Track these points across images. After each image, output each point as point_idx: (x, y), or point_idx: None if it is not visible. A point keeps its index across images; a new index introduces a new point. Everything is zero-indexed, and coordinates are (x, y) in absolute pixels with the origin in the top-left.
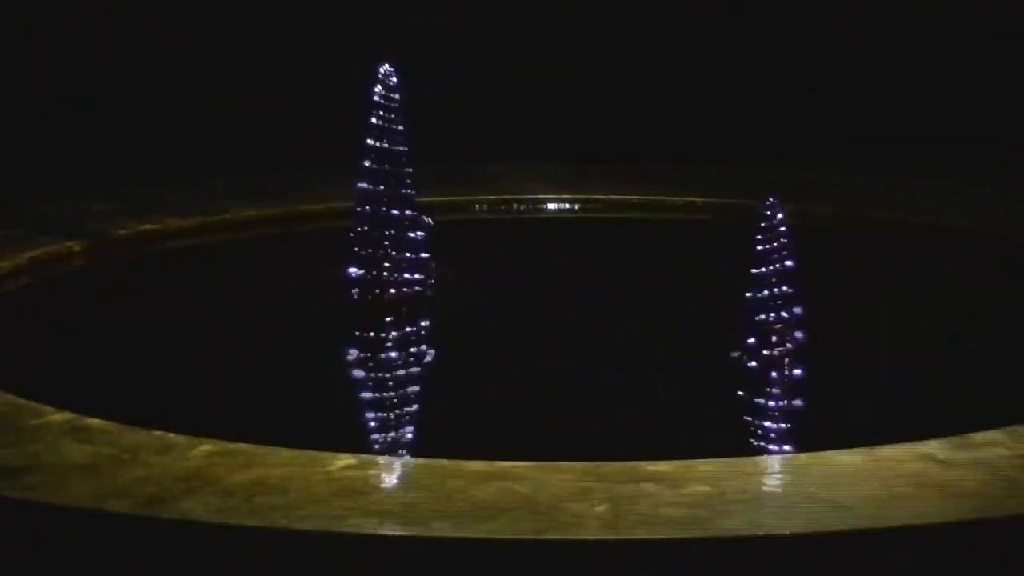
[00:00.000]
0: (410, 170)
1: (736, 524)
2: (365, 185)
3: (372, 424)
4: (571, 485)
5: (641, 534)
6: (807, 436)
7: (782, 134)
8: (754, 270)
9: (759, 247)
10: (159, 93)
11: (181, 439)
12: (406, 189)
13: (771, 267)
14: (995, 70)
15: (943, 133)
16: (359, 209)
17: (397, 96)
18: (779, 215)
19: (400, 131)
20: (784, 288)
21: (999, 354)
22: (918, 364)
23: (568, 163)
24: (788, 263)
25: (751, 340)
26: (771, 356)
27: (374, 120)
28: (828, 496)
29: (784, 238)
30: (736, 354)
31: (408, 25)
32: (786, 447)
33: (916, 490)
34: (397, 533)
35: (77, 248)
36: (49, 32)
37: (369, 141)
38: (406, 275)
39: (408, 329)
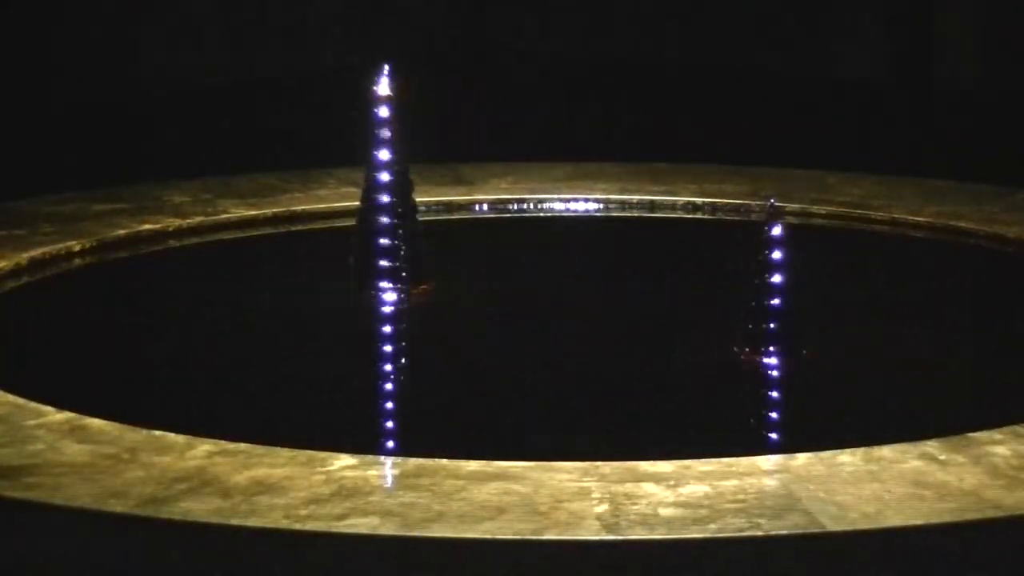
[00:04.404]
0: (408, 170)
1: (736, 524)
2: (367, 185)
3: (374, 422)
4: (570, 485)
5: (641, 534)
6: (807, 436)
7: (783, 134)
8: (754, 271)
9: (758, 248)
10: (159, 92)
11: (181, 439)
12: (406, 188)
13: (768, 268)
14: (996, 69)
15: (943, 132)
16: (363, 208)
17: (396, 96)
18: (778, 215)
19: (399, 130)
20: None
21: (999, 354)
22: (917, 364)
23: (567, 162)
24: (780, 264)
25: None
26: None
27: (374, 120)
28: (828, 496)
29: (781, 238)
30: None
31: (407, 23)
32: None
33: (916, 490)
34: (397, 533)
35: (77, 248)
36: (48, 31)
37: (370, 140)
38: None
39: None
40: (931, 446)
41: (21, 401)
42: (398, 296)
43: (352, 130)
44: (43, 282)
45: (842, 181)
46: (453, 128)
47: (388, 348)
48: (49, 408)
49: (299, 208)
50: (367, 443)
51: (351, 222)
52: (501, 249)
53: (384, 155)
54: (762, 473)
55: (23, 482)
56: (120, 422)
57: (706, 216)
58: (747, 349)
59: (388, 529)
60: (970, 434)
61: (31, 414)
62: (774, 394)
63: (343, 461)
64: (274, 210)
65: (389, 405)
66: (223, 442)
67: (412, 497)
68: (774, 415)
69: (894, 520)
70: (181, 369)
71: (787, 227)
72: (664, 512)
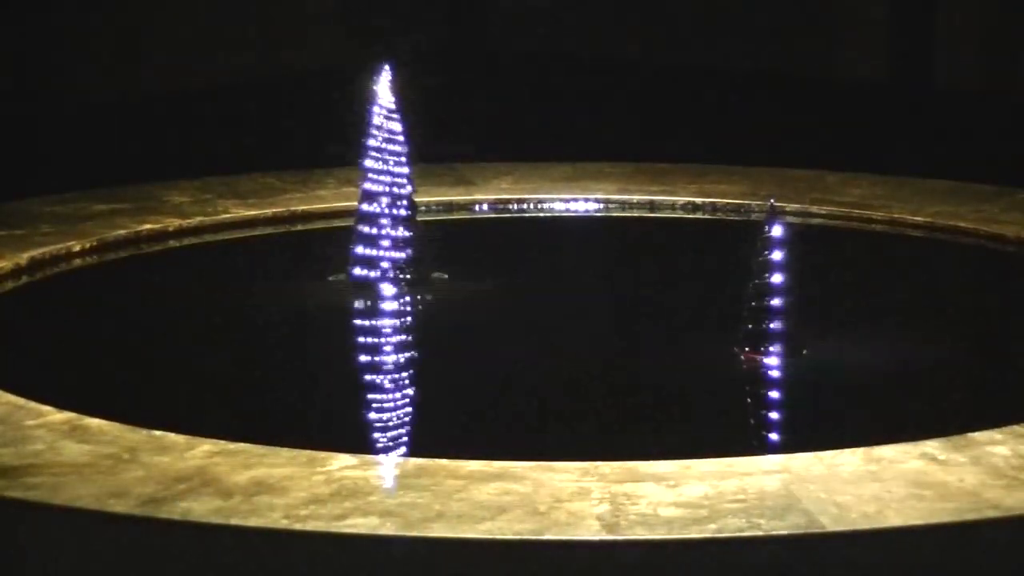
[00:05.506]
0: (408, 170)
1: (736, 524)
2: (367, 186)
3: (373, 422)
4: (570, 485)
5: (641, 534)
6: (807, 436)
7: (783, 134)
8: (752, 271)
9: (757, 249)
10: (159, 92)
11: (181, 439)
12: (405, 189)
13: (766, 269)
14: (996, 69)
15: (943, 132)
16: (361, 209)
17: (395, 95)
18: (778, 215)
19: (398, 130)
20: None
21: (999, 354)
22: (917, 364)
23: (567, 162)
24: (780, 264)
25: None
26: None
27: (374, 119)
28: (828, 496)
29: (781, 238)
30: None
31: (406, 21)
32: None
33: (916, 490)
34: (397, 533)
35: (77, 248)
36: (48, 30)
37: (370, 141)
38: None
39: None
40: (931, 446)
41: (21, 401)
42: (398, 296)
43: (352, 130)
44: (43, 282)
45: (842, 181)
46: (453, 128)
47: (388, 348)
48: (49, 408)
49: (299, 208)
50: (367, 443)
51: (351, 222)
52: (501, 249)
53: (383, 155)
54: (762, 473)
55: (23, 482)
56: (120, 422)
57: (706, 216)
58: (747, 349)
59: (388, 529)
60: (970, 434)
61: (31, 414)
62: (774, 394)
63: (343, 461)
64: (274, 210)
65: (389, 405)
66: (223, 442)
67: (412, 497)
68: (774, 415)
69: (894, 520)
70: (181, 369)
71: (787, 227)
72: (664, 512)
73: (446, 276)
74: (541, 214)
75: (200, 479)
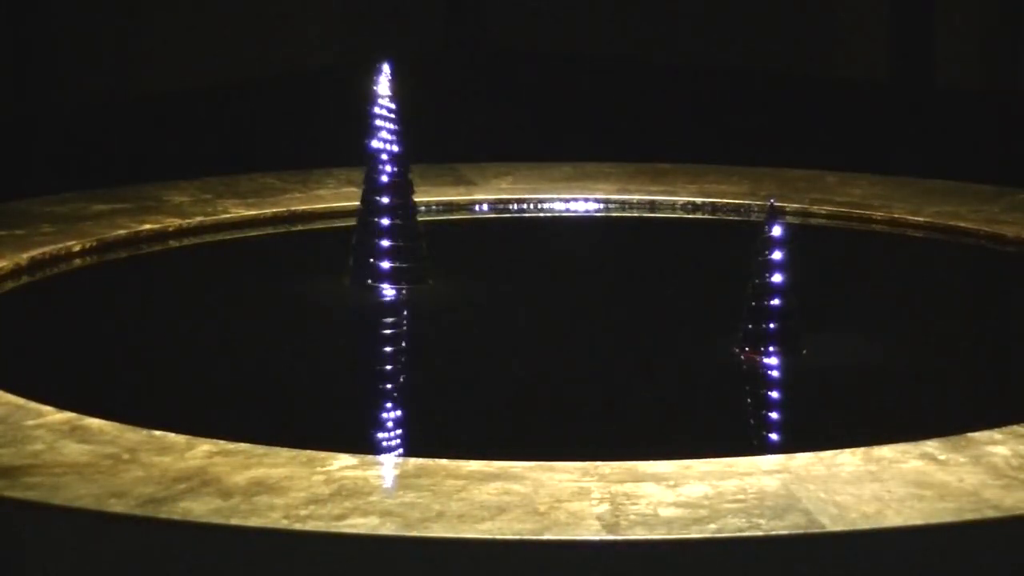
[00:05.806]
0: (408, 170)
1: (736, 524)
2: (367, 186)
3: (373, 422)
4: (570, 485)
5: (641, 534)
6: (807, 436)
7: (783, 134)
8: (754, 271)
9: (756, 249)
10: (159, 92)
11: (181, 439)
12: (405, 189)
13: (768, 268)
14: (997, 69)
15: (943, 132)
16: (362, 209)
17: (394, 96)
18: (778, 215)
19: (398, 131)
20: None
21: (998, 354)
22: (917, 363)
23: (567, 162)
24: (780, 264)
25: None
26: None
27: (374, 120)
28: (828, 496)
29: (781, 238)
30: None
31: (404, 20)
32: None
33: (916, 490)
34: (397, 533)
35: (77, 248)
36: (48, 31)
37: (372, 143)
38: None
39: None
40: (931, 446)
41: (21, 401)
42: (397, 296)
43: (351, 130)
44: (43, 282)
45: (842, 181)
46: (453, 128)
47: (388, 348)
48: (49, 408)
49: (299, 208)
50: (367, 443)
51: (351, 222)
52: (501, 249)
53: (383, 155)
54: (762, 473)
55: (23, 482)
56: (120, 422)
57: (706, 216)
58: (747, 349)
59: (388, 529)
60: (970, 434)
61: (31, 414)
62: (774, 394)
63: (343, 461)
64: (274, 210)
65: (389, 405)
66: (223, 442)
67: (412, 497)
68: (774, 415)
69: (894, 520)
70: (181, 369)
71: (787, 227)
72: (664, 512)
73: (446, 276)
74: (541, 214)
75: (200, 479)
